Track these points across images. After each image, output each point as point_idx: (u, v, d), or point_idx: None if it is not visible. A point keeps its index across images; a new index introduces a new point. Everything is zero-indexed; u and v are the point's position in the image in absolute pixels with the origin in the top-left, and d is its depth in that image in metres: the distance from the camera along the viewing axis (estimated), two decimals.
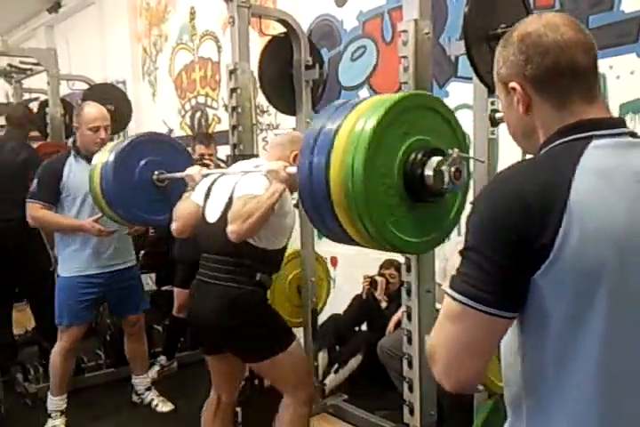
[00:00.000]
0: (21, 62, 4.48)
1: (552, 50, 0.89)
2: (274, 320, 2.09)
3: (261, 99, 3.08)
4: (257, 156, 2.48)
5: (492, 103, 1.96)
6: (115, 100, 4.36)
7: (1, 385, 3.14)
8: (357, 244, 1.55)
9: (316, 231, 2.30)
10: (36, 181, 2.82)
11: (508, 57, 0.95)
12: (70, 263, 2.84)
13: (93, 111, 2.78)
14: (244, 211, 1.80)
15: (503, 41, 0.98)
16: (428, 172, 1.44)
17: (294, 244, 2.49)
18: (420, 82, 1.81)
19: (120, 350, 3.24)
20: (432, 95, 1.70)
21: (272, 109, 4.03)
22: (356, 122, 1.42)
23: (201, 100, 5.08)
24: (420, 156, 1.45)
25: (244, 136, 2.48)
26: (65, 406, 2.92)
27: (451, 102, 3.07)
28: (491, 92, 1.94)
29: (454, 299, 0.85)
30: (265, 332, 2.00)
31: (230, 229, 1.81)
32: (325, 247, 2.93)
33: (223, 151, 4.26)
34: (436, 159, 1.45)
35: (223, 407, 2.24)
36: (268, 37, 2.92)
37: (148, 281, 4.29)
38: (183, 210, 2.09)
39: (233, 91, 2.47)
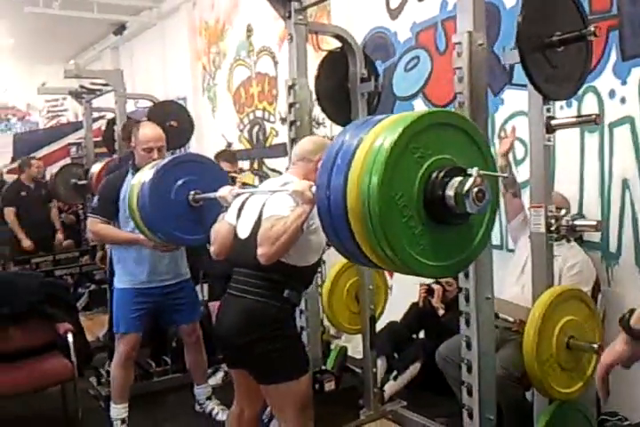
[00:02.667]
0: (91, 83, 4.75)
1: None
2: (294, 344, 2.06)
3: (317, 111, 3.17)
4: None
5: (548, 110, 1.97)
6: (177, 116, 4.57)
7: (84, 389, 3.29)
8: (381, 268, 1.54)
9: None
10: (96, 197, 2.95)
11: None
12: (125, 276, 2.95)
13: (148, 133, 2.88)
14: (271, 233, 1.81)
15: None
16: (449, 193, 1.38)
17: None
18: (474, 92, 1.85)
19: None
20: (452, 111, 1.62)
21: (328, 122, 4.12)
22: (369, 150, 1.35)
23: (259, 114, 5.24)
24: (441, 175, 1.39)
25: None
26: (126, 414, 3.00)
27: (506, 110, 3.10)
28: (546, 99, 1.96)
29: None
30: (282, 355, 1.96)
31: (259, 252, 1.84)
32: None
33: (281, 163, 4.40)
34: (457, 180, 1.38)
35: (246, 421, 2.24)
36: (323, 52, 3.01)
37: None
38: (219, 232, 2.12)
39: (291, 105, 2.57)
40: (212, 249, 2.14)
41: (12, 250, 5.86)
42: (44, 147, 7.42)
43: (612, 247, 2.71)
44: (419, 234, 1.39)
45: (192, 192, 2.47)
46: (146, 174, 2.47)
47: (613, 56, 2.61)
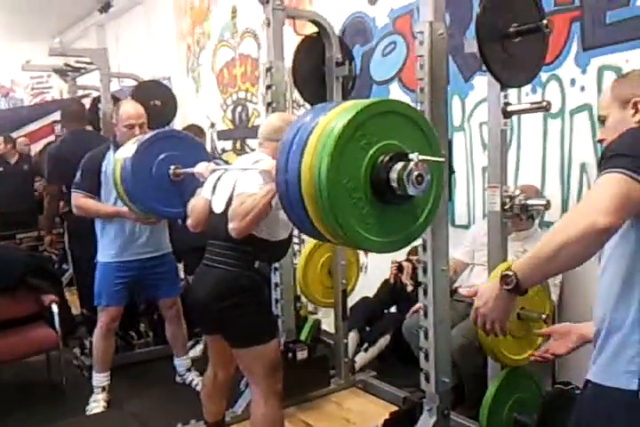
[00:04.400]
0: (76, 62, 4.80)
1: None
2: (263, 311, 2.21)
3: (297, 94, 3.29)
4: None
5: (505, 96, 2.11)
6: (161, 96, 4.65)
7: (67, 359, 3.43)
8: (330, 242, 1.65)
9: None
10: (79, 172, 3.04)
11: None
12: (107, 250, 3.07)
13: (129, 110, 2.98)
14: (241, 209, 1.95)
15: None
16: (393, 176, 1.48)
17: None
18: (435, 78, 1.98)
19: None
20: (396, 100, 1.68)
21: (308, 104, 4.24)
22: (319, 138, 1.46)
23: (242, 95, 5.32)
24: (385, 160, 1.49)
25: None
26: (107, 382, 3.14)
27: (476, 95, 3.23)
28: (503, 86, 2.09)
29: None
30: (251, 320, 2.10)
31: (231, 226, 1.97)
32: None
33: None
34: (400, 164, 1.48)
35: (219, 384, 2.39)
36: (304, 35, 3.12)
37: None
38: (195, 206, 2.26)
39: (268, 87, 2.69)
40: (188, 222, 2.26)
41: None
42: (30, 124, 7.46)
43: None
44: (366, 214, 1.52)
45: (172, 167, 2.58)
46: (129, 149, 2.57)
47: (575, 46, 2.74)
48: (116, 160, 2.66)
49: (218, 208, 2.15)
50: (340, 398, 3.06)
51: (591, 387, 1.29)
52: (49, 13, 7.49)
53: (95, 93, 5.42)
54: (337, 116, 1.48)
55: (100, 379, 3.14)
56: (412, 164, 1.46)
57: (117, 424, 2.96)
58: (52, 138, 7.07)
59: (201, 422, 2.64)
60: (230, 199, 2.07)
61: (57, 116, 7.28)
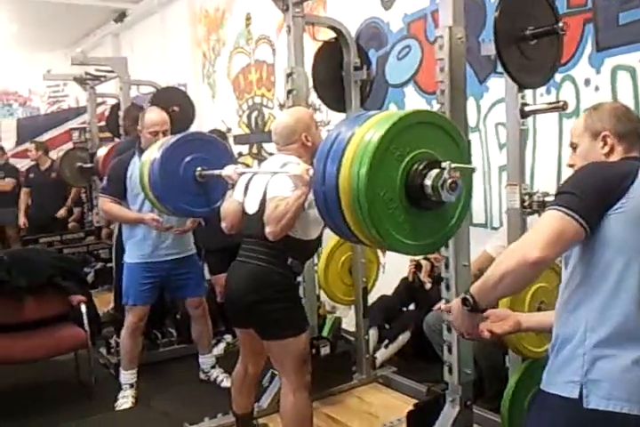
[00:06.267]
0: (96, 70, 4.92)
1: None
2: (295, 306, 2.27)
3: (313, 97, 3.37)
4: None
5: (522, 97, 2.18)
6: (180, 102, 4.75)
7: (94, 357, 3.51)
8: (367, 245, 1.75)
9: None
10: (106, 177, 3.16)
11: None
12: (134, 251, 3.17)
13: (154, 117, 3.08)
14: (276, 213, 2.03)
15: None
16: (427, 182, 1.54)
17: None
18: (454, 80, 2.06)
19: (189, 329, 3.56)
20: (428, 111, 1.73)
21: (323, 107, 4.30)
22: (355, 152, 1.52)
23: (257, 100, 5.43)
24: (420, 168, 1.55)
25: None
26: (135, 379, 3.24)
27: (491, 96, 3.31)
28: (520, 87, 2.16)
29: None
30: (284, 314, 2.18)
31: (267, 231, 2.06)
32: None
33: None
34: (434, 171, 1.54)
35: (250, 378, 2.48)
36: (320, 41, 3.21)
37: None
38: (228, 209, 2.33)
39: (289, 92, 2.78)
40: (223, 225, 2.34)
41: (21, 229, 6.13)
42: (47, 131, 7.61)
43: None
44: (403, 221, 1.59)
45: (199, 168, 2.65)
46: (154, 152, 2.66)
47: (589, 47, 2.81)
48: (142, 163, 2.75)
49: (251, 209, 2.25)
50: (362, 393, 3.12)
51: (540, 394, 1.41)
52: (64, 24, 7.65)
53: (112, 101, 5.55)
54: (372, 128, 1.55)
55: (127, 376, 3.24)
56: (445, 172, 1.53)
57: (146, 419, 3.05)
58: (70, 145, 7.22)
59: (227, 415, 2.72)
60: (263, 201, 2.16)
61: (74, 123, 7.47)
